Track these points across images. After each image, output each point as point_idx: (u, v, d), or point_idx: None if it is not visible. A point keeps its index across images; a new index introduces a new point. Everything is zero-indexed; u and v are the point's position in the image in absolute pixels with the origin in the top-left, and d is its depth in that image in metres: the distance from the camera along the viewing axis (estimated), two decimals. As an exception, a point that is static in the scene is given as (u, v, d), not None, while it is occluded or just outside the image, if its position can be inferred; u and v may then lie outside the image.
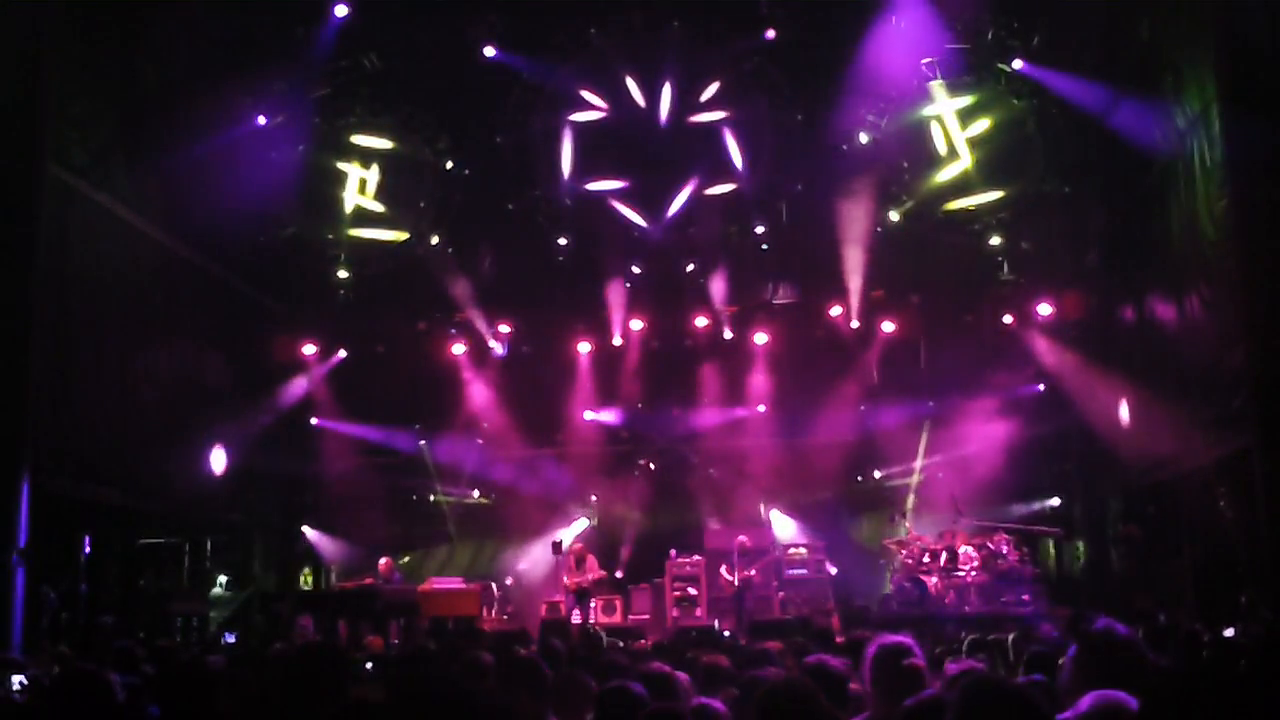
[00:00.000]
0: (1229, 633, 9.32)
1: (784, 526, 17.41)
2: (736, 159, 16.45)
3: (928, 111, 15.92)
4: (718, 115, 16.18)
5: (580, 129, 16.66)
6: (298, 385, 17.46)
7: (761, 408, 17.72)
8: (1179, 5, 12.72)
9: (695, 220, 17.10)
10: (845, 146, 16.18)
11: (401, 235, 16.90)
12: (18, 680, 6.77)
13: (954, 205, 16.19)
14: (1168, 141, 13.07)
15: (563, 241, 17.30)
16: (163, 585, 14.31)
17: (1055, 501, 16.54)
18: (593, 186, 17.00)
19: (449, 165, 16.63)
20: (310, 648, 4.52)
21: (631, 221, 17.15)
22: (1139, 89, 13.80)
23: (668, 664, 5.04)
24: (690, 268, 17.51)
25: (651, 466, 18.34)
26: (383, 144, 16.57)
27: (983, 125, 15.78)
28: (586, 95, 16.54)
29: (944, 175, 16.13)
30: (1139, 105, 13.70)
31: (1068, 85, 14.70)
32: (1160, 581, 14.07)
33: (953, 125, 15.92)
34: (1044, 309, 16.81)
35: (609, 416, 18.28)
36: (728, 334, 17.76)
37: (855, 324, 17.37)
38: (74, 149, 12.58)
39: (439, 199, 16.75)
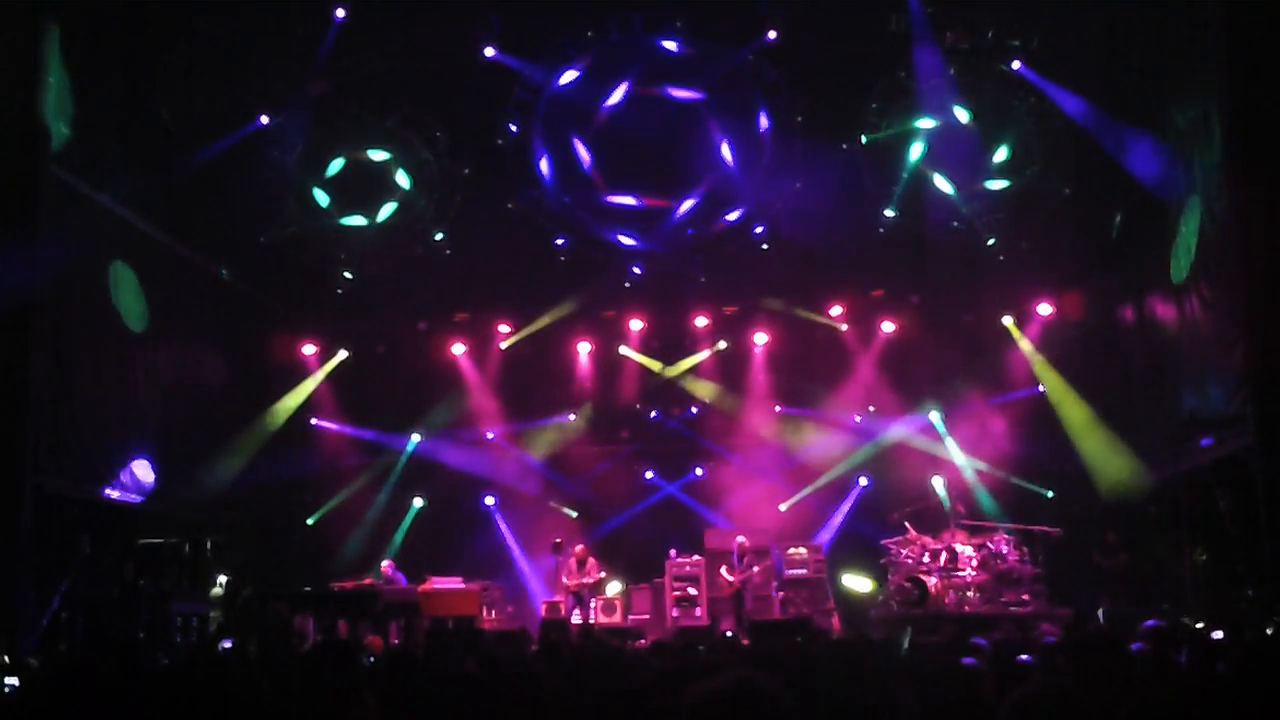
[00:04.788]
0: (1218, 635, 9.35)
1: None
2: (727, 154, 16.44)
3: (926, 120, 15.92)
4: (697, 96, 16.16)
5: (579, 133, 16.63)
6: (304, 387, 17.49)
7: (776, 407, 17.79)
8: (1179, 6, 12.73)
9: (695, 223, 17.08)
10: (845, 146, 16.19)
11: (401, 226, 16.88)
12: (10, 682, 6.78)
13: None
14: (1166, 153, 13.12)
15: (561, 242, 17.30)
16: (163, 585, 14.29)
17: (1050, 494, 16.53)
18: (588, 195, 16.92)
19: (449, 165, 16.64)
20: (319, 648, 4.50)
21: (624, 244, 17.17)
22: (1138, 90, 13.82)
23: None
24: (690, 269, 17.51)
25: (649, 474, 18.34)
26: (382, 144, 16.57)
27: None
28: (585, 98, 16.52)
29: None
30: (1139, 108, 13.73)
31: (1067, 99, 14.74)
32: (1160, 582, 14.10)
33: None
34: (1044, 309, 16.84)
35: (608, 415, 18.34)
36: (723, 344, 17.81)
37: (844, 327, 17.44)
38: (74, 149, 12.56)
39: (439, 199, 16.75)
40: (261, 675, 4.54)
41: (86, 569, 12.62)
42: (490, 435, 18.17)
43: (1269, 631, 9.08)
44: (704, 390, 18.20)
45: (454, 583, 15.29)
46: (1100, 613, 13.97)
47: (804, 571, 16.09)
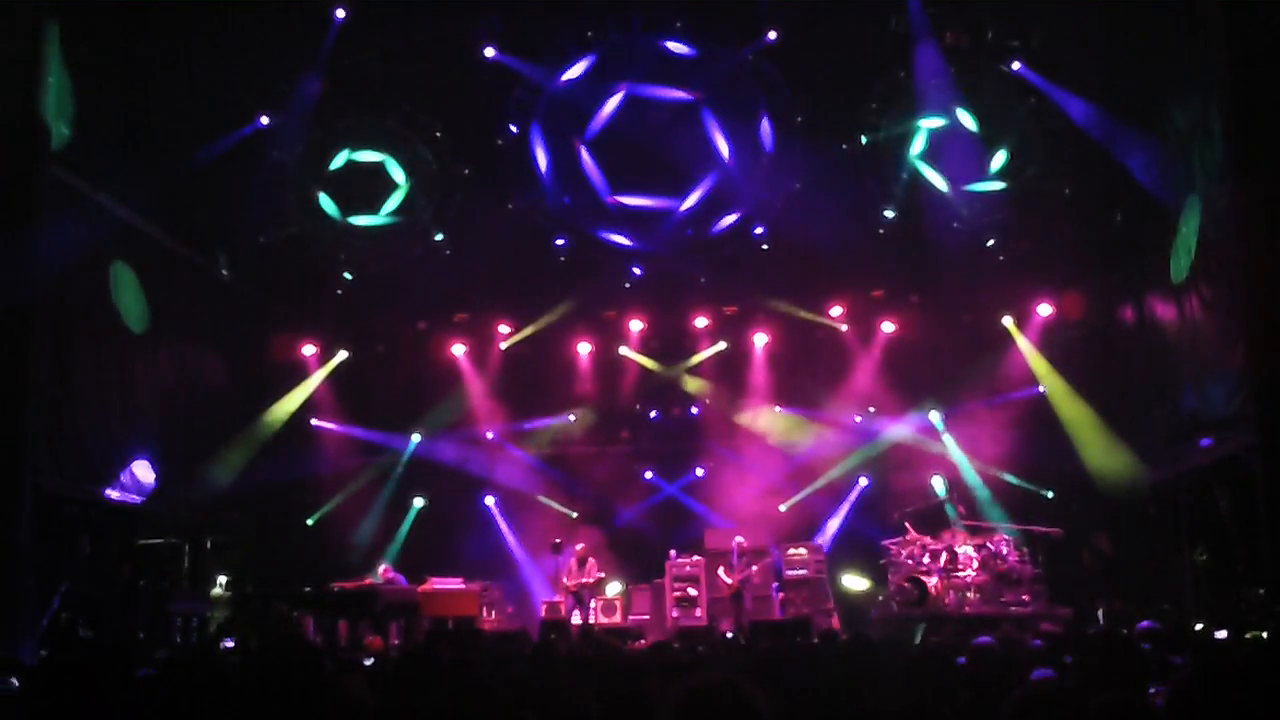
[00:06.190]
0: (1221, 634, 9.35)
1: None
2: (726, 154, 16.44)
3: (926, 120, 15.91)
4: (696, 95, 16.15)
5: (578, 133, 16.62)
6: (304, 387, 17.50)
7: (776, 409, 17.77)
8: (1179, 6, 12.72)
9: (695, 223, 17.07)
10: (845, 146, 16.18)
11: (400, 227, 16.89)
12: (13, 681, 6.77)
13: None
14: (1166, 153, 13.12)
15: (561, 242, 17.30)
16: (163, 585, 14.30)
17: (1050, 494, 16.52)
18: (588, 195, 16.89)
19: (449, 165, 16.65)
20: (282, 646, 4.48)
21: (624, 244, 17.17)
22: (1138, 90, 13.82)
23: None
24: (690, 269, 17.51)
25: (649, 474, 18.33)
26: (382, 144, 16.57)
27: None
28: (585, 98, 16.50)
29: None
30: (1139, 108, 13.73)
31: (1067, 100, 14.74)
32: (1160, 582, 14.09)
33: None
34: (1044, 309, 16.83)
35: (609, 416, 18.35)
36: (723, 344, 17.82)
37: (844, 327, 17.43)
38: (74, 149, 12.57)
39: (439, 199, 16.75)
40: (257, 675, 4.53)
41: (86, 569, 12.63)
42: (490, 435, 18.18)
43: (1264, 633, 9.08)
44: (704, 390, 18.20)
45: (454, 583, 15.29)
46: (1100, 613, 13.98)
47: (804, 571, 16.08)
